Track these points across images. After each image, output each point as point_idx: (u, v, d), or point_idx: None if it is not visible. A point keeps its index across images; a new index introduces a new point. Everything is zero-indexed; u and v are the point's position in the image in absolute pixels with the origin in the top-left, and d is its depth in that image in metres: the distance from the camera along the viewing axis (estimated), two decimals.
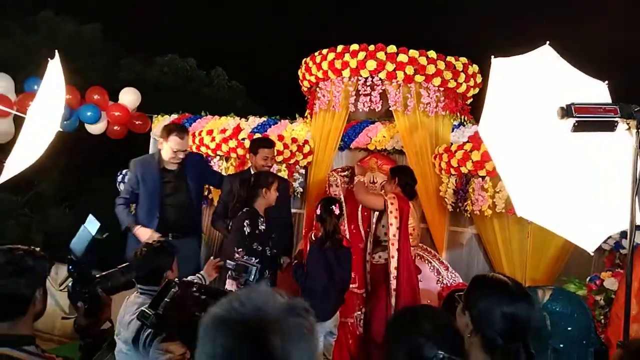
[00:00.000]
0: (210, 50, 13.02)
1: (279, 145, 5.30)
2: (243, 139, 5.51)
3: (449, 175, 4.93)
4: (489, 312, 1.82)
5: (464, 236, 5.18)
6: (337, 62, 5.13)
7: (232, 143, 5.58)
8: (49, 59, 4.04)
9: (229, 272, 3.42)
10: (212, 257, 3.73)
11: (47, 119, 3.90)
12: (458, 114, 5.29)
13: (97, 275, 1.98)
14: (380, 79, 5.06)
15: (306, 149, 5.46)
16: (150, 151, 6.60)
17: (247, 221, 3.87)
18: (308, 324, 1.11)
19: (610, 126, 2.42)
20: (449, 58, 5.11)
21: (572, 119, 2.38)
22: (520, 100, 2.98)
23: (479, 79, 5.33)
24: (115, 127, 6.63)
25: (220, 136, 5.66)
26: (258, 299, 1.10)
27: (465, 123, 5.22)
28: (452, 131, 5.17)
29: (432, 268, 4.85)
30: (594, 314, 3.84)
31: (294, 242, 5.21)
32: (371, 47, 5.06)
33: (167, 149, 4.35)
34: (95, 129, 6.55)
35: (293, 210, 5.53)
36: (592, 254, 2.96)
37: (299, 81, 5.85)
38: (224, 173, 5.36)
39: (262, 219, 3.97)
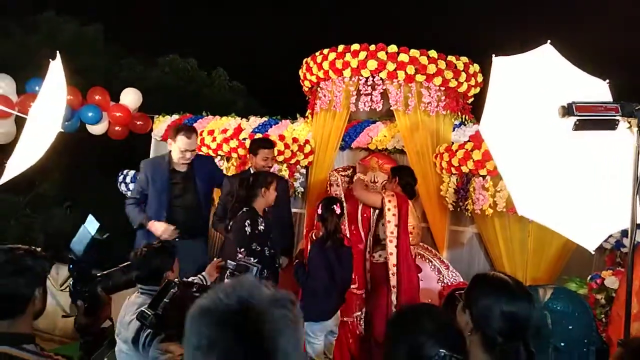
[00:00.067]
0: (211, 50, 13.03)
1: (280, 145, 5.31)
2: (244, 139, 5.52)
3: (449, 175, 4.92)
4: (488, 311, 1.82)
5: (465, 235, 5.18)
6: (338, 62, 5.14)
7: (233, 143, 5.58)
8: (50, 59, 4.04)
9: (228, 272, 3.42)
10: (215, 258, 3.73)
11: (48, 119, 3.91)
12: (459, 113, 5.28)
13: (98, 274, 1.99)
14: (381, 79, 5.07)
15: (307, 148, 5.46)
16: (151, 151, 6.62)
17: (247, 221, 3.87)
18: (293, 315, 1.12)
19: (611, 125, 2.42)
20: (449, 57, 5.11)
21: (573, 118, 2.38)
22: (521, 99, 2.97)
23: (479, 79, 5.33)
24: (117, 128, 6.63)
25: (221, 136, 5.66)
26: (243, 290, 1.11)
27: (466, 122, 5.22)
28: (453, 130, 5.17)
29: (432, 267, 4.85)
30: (595, 313, 3.84)
31: (295, 242, 5.21)
32: (372, 47, 5.06)
33: (175, 149, 4.36)
34: (97, 129, 6.55)
35: (294, 210, 5.53)
36: (593, 252, 2.95)
37: (300, 81, 5.85)
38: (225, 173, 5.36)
39: (261, 219, 3.97)
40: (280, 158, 5.35)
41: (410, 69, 4.96)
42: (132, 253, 2.79)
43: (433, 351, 1.59)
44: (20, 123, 5.35)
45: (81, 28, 11.09)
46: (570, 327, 3.51)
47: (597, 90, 3.05)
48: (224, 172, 5.42)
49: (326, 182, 5.25)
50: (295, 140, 5.46)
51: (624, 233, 3.85)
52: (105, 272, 2.00)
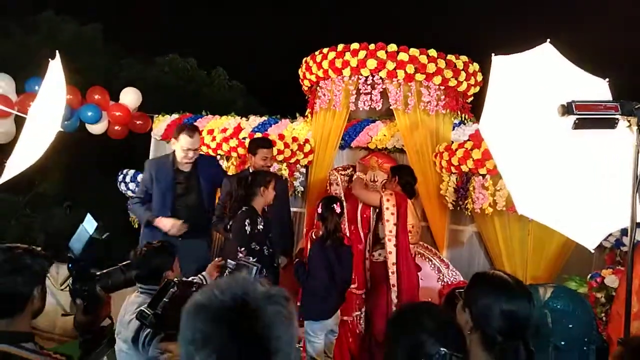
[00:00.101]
0: (211, 50, 13.03)
1: (279, 145, 5.31)
2: (244, 138, 5.52)
3: (449, 174, 4.93)
4: (488, 310, 1.82)
5: (465, 234, 5.18)
6: (338, 61, 5.13)
7: (233, 142, 5.58)
8: (49, 59, 4.03)
9: (227, 272, 3.41)
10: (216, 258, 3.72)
11: (47, 119, 3.89)
12: (459, 112, 5.28)
13: (98, 273, 1.99)
14: (381, 78, 5.06)
15: (307, 148, 5.46)
16: (151, 151, 6.63)
17: (247, 220, 3.87)
18: (287, 311, 1.13)
19: (610, 123, 2.42)
20: (449, 56, 5.11)
21: (573, 117, 2.38)
22: (521, 98, 2.97)
23: (479, 78, 5.32)
24: (116, 127, 6.63)
25: (221, 135, 5.66)
26: (238, 287, 1.12)
27: (465, 121, 5.22)
28: (453, 129, 5.17)
29: (432, 266, 4.85)
30: (595, 312, 3.84)
31: (295, 242, 5.21)
32: (372, 46, 5.05)
33: (178, 148, 4.37)
34: (96, 129, 6.55)
35: (294, 209, 5.54)
36: (592, 251, 2.95)
37: (300, 80, 5.85)
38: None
39: (260, 218, 3.97)
40: (280, 157, 5.35)
41: (410, 68, 4.96)
42: (132, 252, 2.79)
43: (433, 350, 1.59)
44: (19, 122, 5.35)
45: (80, 28, 11.08)
46: (571, 326, 3.51)
47: (597, 89, 3.04)
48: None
49: (326, 181, 5.26)
50: (295, 139, 5.46)
51: (624, 232, 3.85)
52: (104, 270, 2.01)
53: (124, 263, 2.09)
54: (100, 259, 2.07)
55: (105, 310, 1.96)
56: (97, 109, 6.34)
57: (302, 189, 5.57)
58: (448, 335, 1.64)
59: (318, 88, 5.48)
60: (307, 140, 5.50)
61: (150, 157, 6.59)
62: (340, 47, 5.18)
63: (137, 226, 6.47)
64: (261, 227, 3.93)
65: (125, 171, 6.37)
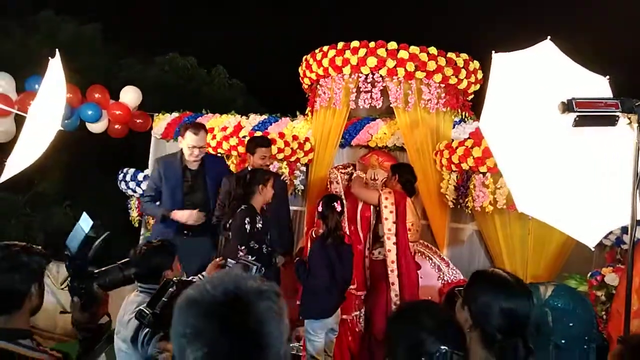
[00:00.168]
0: (211, 48, 13.00)
1: (279, 143, 5.30)
2: (244, 137, 5.51)
3: (450, 172, 4.92)
4: (487, 308, 1.82)
5: (465, 233, 5.18)
6: (338, 59, 5.13)
7: (233, 141, 5.58)
8: (49, 57, 4.03)
9: None
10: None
11: (47, 117, 3.89)
12: (459, 110, 5.27)
13: (96, 271, 1.99)
14: (381, 76, 5.05)
15: (307, 146, 5.46)
16: (151, 150, 6.64)
17: (247, 218, 3.87)
18: (277, 307, 1.14)
19: (611, 121, 2.42)
20: (449, 54, 5.10)
21: (573, 114, 2.37)
22: (521, 96, 2.96)
23: (480, 75, 5.31)
24: (116, 126, 6.63)
25: (221, 134, 5.66)
26: (230, 282, 1.14)
27: (466, 119, 5.22)
28: (453, 127, 5.16)
29: (433, 264, 4.84)
30: (595, 310, 3.84)
31: (295, 240, 5.21)
32: (372, 44, 5.05)
33: (185, 145, 4.41)
34: (96, 127, 6.54)
35: (294, 208, 5.54)
36: (593, 249, 2.95)
37: (300, 78, 5.84)
38: None
39: (259, 217, 3.97)
40: (280, 156, 5.35)
41: (410, 66, 4.95)
42: (132, 251, 2.79)
43: (434, 348, 1.58)
44: (19, 121, 5.35)
45: (80, 27, 11.06)
46: (571, 325, 3.51)
47: (597, 86, 3.04)
48: None
49: (326, 180, 5.25)
50: (295, 137, 5.45)
51: (624, 230, 3.85)
52: (103, 268, 2.01)
53: (123, 261, 2.09)
54: (100, 258, 2.07)
55: (103, 308, 1.97)
56: (97, 107, 6.34)
57: (303, 188, 5.57)
58: (448, 333, 1.64)
59: (318, 86, 5.48)
60: (307, 139, 5.50)
61: (150, 156, 6.61)
62: (340, 45, 5.17)
63: (137, 225, 6.48)
64: (260, 225, 3.93)
65: (125, 170, 6.37)
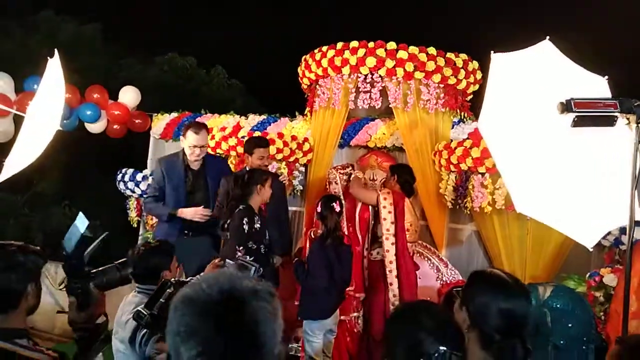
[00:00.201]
0: (210, 48, 13.00)
1: (278, 143, 5.30)
2: (243, 137, 5.51)
3: (448, 172, 4.92)
4: (485, 308, 1.81)
5: (464, 233, 5.18)
6: (337, 59, 5.12)
7: (232, 141, 5.58)
8: (48, 57, 4.03)
9: None
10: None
11: (46, 117, 3.88)
12: (458, 110, 5.28)
13: (93, 271, 1.99)
14: (380, 76, 5.05)
15: (306, 146, 5.46)
16: (150, 150, 6.63)
17: (245, 219, 3.86)
18: (271, 307, 1.16)
19: (610, 121, 2.41)
20: (448, 54, 5.10)
21: (572, 114, 2.37)
22: (520, 96, 2.96)
23: (479, 76, 5.31)
24: (115, 126, 6.62)
25: (220, 134, 5.66)
26: (225, 282, 1.15)
27: (465, 120, 5.22)
28: (452, 128, 5.17)
29: (431, 265, 4.84)
30: (593, 311, 3.84)
31: (294, 241, 5.21)
32: (371, 44, 5.05)
33: (186, 145, 4.42)
34: (95, 127, 6.54)
35: (293, 208, 5.53)
36: (591, 250, 2.95)
37: (299, 79, 5.84)
38: None
39: (257, 217, 3.97)
40: (279, 156, 5.34)
41: (409, 66, 4.95)
42: (130, 251, 2.79)
43: (432, 348, 1.58)
44: (18, 121, 5.35)
45: (80, 27, 11.06)
46: (570, 325, 3.51)
47: (596, 86, 3.04)
48: None
49: (325, 180, 5.24)
50: (294, 138, 5.45)
51: (623, 230, 3.84)
52: (100, 268, 2.01)
53: (120, 261, 2.09)
54: (99, 258, 2.07)
55: (100, 308, 1.97)
56: (96, 107, 6.33)
57: (301, 188, 5.56)
58: (447, 333, 1.64)
59: (317, 86, 5.48)
60: (306, 139, 5.50)
61: (149, 156, 6.60)
62: (339, 45, 5.17)
63: (135, 225, 6.47)
64: (258, 225, 3.92)
65: (124, 170, 6.36)
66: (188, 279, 2.75)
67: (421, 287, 4.50)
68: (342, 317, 4.47)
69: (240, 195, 4.03)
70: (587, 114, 2.37)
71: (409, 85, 5.04)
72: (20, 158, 3.95)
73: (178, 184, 4.49)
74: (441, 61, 5.02)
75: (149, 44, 11.78)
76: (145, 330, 2.24)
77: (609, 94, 2.98)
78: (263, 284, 1.19)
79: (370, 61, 4.99)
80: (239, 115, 6.09)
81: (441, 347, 1.57)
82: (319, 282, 4.06)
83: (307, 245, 4.57)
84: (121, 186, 6.34)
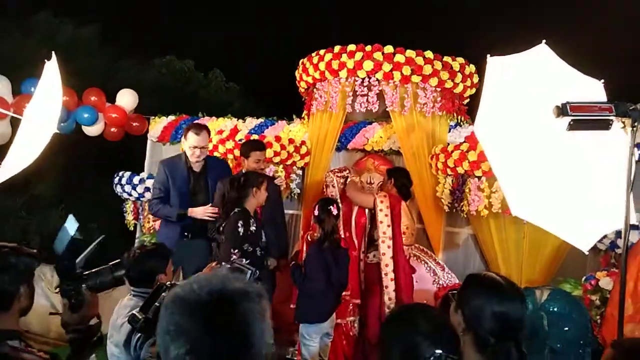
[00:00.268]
0: (208, 51, 13.00)
1: (276, 146, 5.30)
2: (240, 140, 5.50)
3: (445, 176, 4.93)
4: (480, 311, 1.82)
5: (461, 237, 5.19)
6: (334, 63, 5.13)
7: (230, 144, 5.57)
8: (45, 60, 4.03)
9: None
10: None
11: (43, 120, 3.89)
12: (455, 114, 5.29)
13: (86, 272, 1.99)
14: (377, 80, 5.06)
15: (303, 149, 5.46)
16: (147, 153, 6.63)
17: (240, 222, 3.86)
18: (260, 308, 1.18)
19: (605, 125, 2.42)
20: (445, 58, 5.11)
21: (568, 118, 2.38)
22: (516, 99, 2.97)
23: (475, 79, 5.32)
24: (112, 129, 6.61)
25: (217, 137, 5.65)
26: (216, 282, 1.17)
27: (462, 123, 5.23)
28: (449, 131, 5.18)
29: (428, 268, 4.84)
30: (590, 314, 3.85)
31: (290, 244, 5.20)
32: (368, 48, 5.05)
33: (187, 146, 4.43)
34: (92, 130, 6.53)
35: (290, 212, 5.53)
36: (587, 253, 2.95)
37: (296, 82, 5.85)
38: None
39: (252, 220, 3.96)
40: (277, 159, 5.34)
41: (406, 70, 4.96)
42: (126, 254, 2.78)
43: (428, 352, 1.59)
44: (15, 124, 5.33)
45: (78, 29, 11.05)
46: (567, 329, 3.51)
47: (592, 90, 3.05)
48: None
49: (322, 184, 5.25)
50: (291, 141, 5.45)
51: (619, 234, 3.86)
52: (94, 270, 2.01)
53: (113, 262, 2.08)
54: (95, 261, 2.06)
55: (93, 310, 1.97)
56: (93, 110, 6.33)
57: (299, 191, 5.56)
58: (443, 337, 1.64)
59: (315, 90, 5.48)
60: (303, 142, 5.50)
61: (147, 159, 6.60)
62: (336, 48, 5.18)
63: (132, 228, 6.46)
64: (254, 228, 3.92)
65: (121, 173, 6.36)
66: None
67: (417, 290, 4.51)
68: (338, 321, 4.47)
69: (236, 198, 4.03)
70: (582, 118, 2.38)
71: (406, 89, 5.05)
72: (18, 161, 3.95)
73: (181, 185, 4.50)
74: (438, 65, 5.03)
75: (147, 46, 11.78)
76: (140, 333, 2.23)
77: (604, 98, 3.00)
78: (253, 285, 1.21)
79: (368, 65, 5.00)
80: (236, 119, 6.09)
81: (437, 350, 1.58)
82: (316, 285, 4.05)
83: (304, 248, 4.58)
84: (118, 189, 6.34)
